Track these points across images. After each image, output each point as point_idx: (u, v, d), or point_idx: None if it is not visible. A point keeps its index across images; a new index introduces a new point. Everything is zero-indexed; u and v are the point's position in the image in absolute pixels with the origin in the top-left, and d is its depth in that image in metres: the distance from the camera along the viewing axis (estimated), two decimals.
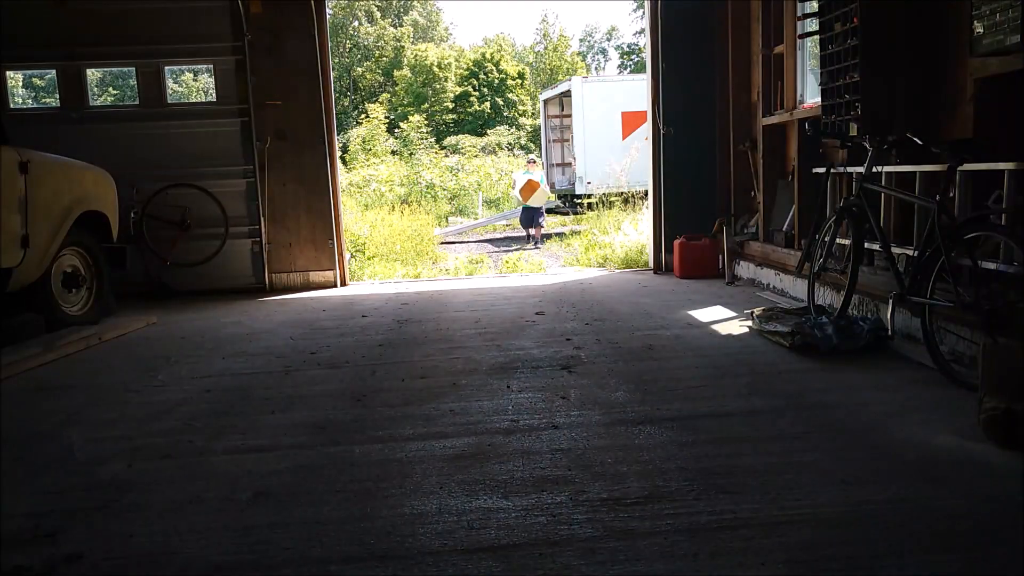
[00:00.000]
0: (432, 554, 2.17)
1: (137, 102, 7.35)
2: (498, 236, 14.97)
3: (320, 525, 2.37)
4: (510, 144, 29.05)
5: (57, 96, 7.33)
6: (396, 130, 24.76)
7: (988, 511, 2.30)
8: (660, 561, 2.08)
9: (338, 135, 9.21)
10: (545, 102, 19.60)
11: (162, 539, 2.33)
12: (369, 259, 9.81)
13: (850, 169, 4.93)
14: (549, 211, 17.79)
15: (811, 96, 6.23)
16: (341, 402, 3.67)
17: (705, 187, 7.51)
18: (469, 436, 3.11)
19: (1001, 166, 3.71)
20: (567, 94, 17.59)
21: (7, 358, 4.54)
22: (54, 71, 7.34)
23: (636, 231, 9.65)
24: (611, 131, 15.86)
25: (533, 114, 33.86)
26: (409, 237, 11.15)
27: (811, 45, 6.09)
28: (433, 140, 25.18)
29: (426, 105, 34.34)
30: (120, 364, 4.66)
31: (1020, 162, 3.61)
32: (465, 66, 36.96)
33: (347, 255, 7.90)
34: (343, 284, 7.58)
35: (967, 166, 3.80)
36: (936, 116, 4.46)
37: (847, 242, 4.58)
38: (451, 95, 35.48)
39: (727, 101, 7.29)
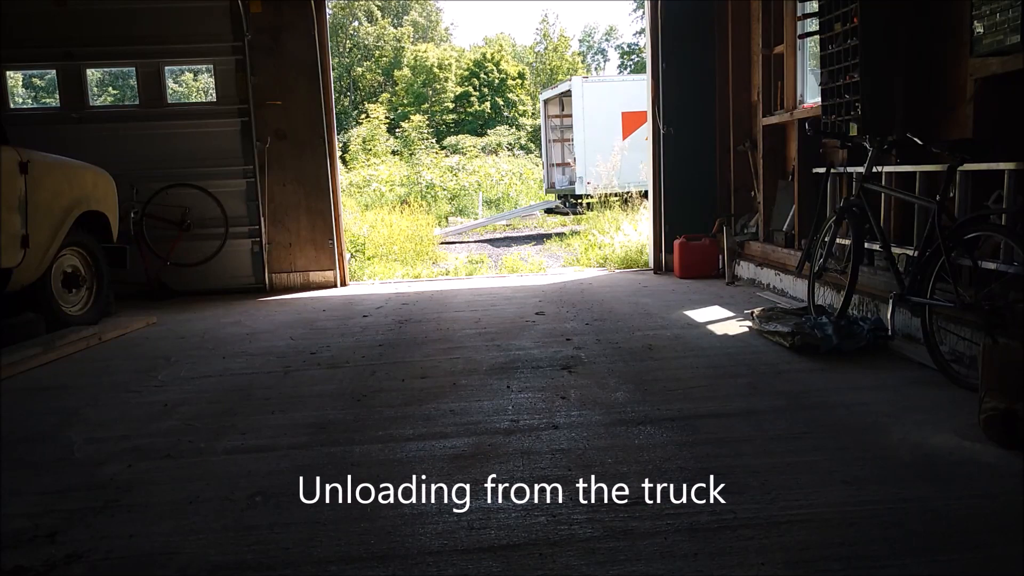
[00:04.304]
0: (432, 554, 2.17)
1: (137, 102, 7.36)
2: (498, 236, 14.97)
3: (320, 525, 2.37)
4: (510, 144, 29.06)
5: (57, 96, 7.33)
6: (396, 130, 24.78)
7: (988, 511, 2.30)
8: (660, 561, 2.08)
9: (338, 135, 9.21)
10: (545, 102, 19.59)
11: (162, 539, 2.33)
12: (369, 259, 9.81)
13: (850, 169, 4.94)
14: (549, 211, 17.81)
15: (811, 96, 6.24)
16: (341, 402, 3.67)
17: (705, 187, 7.52)
18: (469, 436, 3.11)
19: (1001, 166, 3.71)
20: (567, 94, 17.58)
21: (7, 358, 4.54)
22: (54, 71, 7.34)
23: (636, 231, 9.65)
24: (611, 131, 15.86)
25: (533, 114, 33.86)
26: (409, 237, 11.13)
27: (811, 45, 6.09)
28: (433, 140, 25.19)
29: (426, 105, 34.35)
30: (120, 364, 4.66)
31: (1020, 162, 3.61)
32: (465, 66, 36.97)
33: (347, 255, 7.90)
34: (343, 284, 7.58)
35: (967, 166, 3.80)
36: (936, 116, 4.46)
37: (847, 242, 4.58)
38: (451, 95, 35.49)
39: (727, 101, 7.29)
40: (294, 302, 6.83)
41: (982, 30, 3.79)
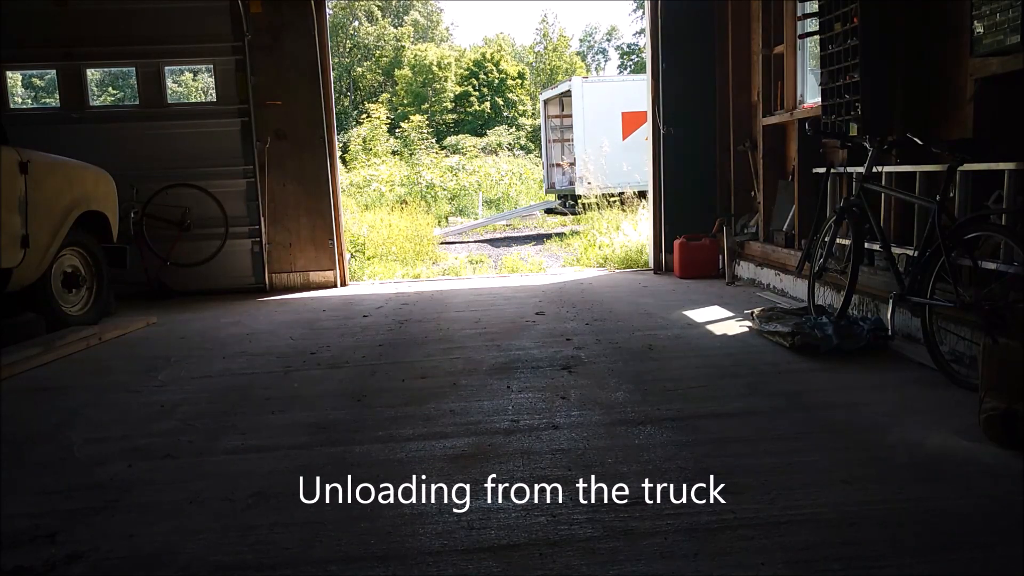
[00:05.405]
0: (432, 554, 2.17)
1: (137, 102, 7.36)
2: (498, 236, 14.97)
3: (320, 525, 2.37)
4: (510, 144, 29.06)
5: (57, 96, 7.33)
6: (396, 130, 24.78)
7: (988, 511, 2.30)
8: (660, 561, 2.08)
9: (338, 135, 9.21)
10: (545, 102, 19.57)
11: (162, 539, 2.33)
12: (369, 259, 9.81)
13: (850, 169, 4.93)
14: (549, 211, 17.78)
15: (811, 96, 6.23)
16: (341, 402, 3.67)
17: (705, 187, 7.52)
18: (469, 436, 3.11)
19: (1001, 166, 3.71)
20: (567, 94, 17.57)
21: (7, 358, 4.54)
22: (54, 71, 7.35)
23: (636, 231, 9.65)
24: (611, 131, 15.86)
25: (533, 114, 33.86)
26: (409, 237, 11.13)
27: (811, 45, 6.09)
28: (433, 140, 25.19)
29: (426, 105, 34.35)
30: (120, 364, 4.66)
31: (1020, 162, 3.61)
32: (465, 66, 36.97)
33: (347, 255, 7.90)
34: (343, 284, 7.58)
35: (967, 166, 3.80)
36: (936, 116, 4.46)
37: (847, 242, 4.58)
38: (451, 95, 35.48)
39: (727, 101, 7.29)
40: (294, 302, 6.83)
41: (982, 30, 3.79)
